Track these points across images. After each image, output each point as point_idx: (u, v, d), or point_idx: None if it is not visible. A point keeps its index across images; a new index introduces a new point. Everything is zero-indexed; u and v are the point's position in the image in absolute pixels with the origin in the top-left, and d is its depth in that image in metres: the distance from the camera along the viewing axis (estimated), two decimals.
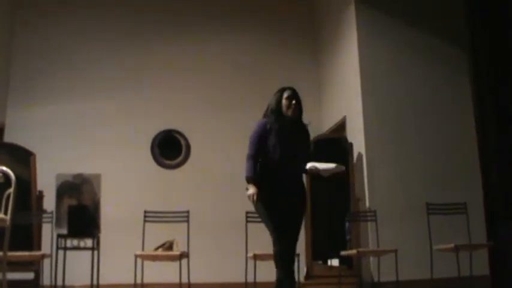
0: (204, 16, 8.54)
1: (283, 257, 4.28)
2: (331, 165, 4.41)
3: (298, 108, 4.49)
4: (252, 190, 4.33)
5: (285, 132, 4.41)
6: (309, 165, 4.36)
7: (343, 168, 4.53)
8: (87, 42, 8.24)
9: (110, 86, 8.15)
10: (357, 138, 7.01)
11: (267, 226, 4.34)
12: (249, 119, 8.10)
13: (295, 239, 4.41)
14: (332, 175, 4.44)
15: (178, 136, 8.19)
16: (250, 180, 4.38)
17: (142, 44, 8.35)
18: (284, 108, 4.46)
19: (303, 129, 4.57)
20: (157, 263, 6.24)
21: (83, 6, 8.37)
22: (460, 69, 7.07)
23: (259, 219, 6.36)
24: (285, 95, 4.49)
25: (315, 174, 4.46)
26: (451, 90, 7.06)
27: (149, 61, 8.32)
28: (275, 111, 4.48)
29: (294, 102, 4.45)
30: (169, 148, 8.13)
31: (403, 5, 7.22)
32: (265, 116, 4.56)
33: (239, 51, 8.53)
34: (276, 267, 4.32)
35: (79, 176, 6.51)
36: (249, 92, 8.26)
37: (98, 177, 6.54)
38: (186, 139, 8.19)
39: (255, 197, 4.29)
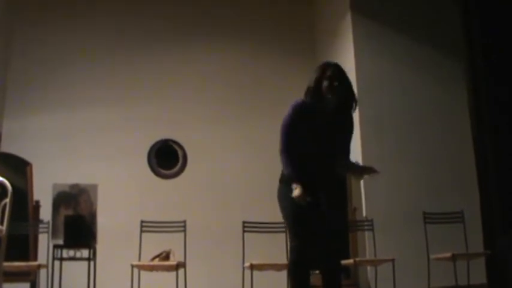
0: (202, 27, 8.54)
1: (295, 271, 3.70)
2: (359, 166, 3.74)
3: (343, 92, 3.66)
4: (298, 190, 3.48)
5: (323, 119, 3.66)
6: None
7: (376, 172, 3.68)
8: (84, 52, 8.22)
9: (107, 96, 8.14)
10: (353, 147, 7.00)
11: (288, 229, 3.76)
12: (246, 128, 8.23)
13: (333, 251, 3.74)
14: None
15: (175, 146, 8.18)
16: (293, 177, 3.56)
17: (140, 54, 8.34)
18: (324, 89, 3.64)
19: (348, 118, 3.78)
20: (154, 273, 6.21)
21: (81, 16, 8.36)
22: (457, 79, 7.08)
23: (256, 229, 6.41)
24: (328, 72, 3.66)
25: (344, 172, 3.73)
26: (448, 100, 7.08)
27: (147, 71, 8.32)
28: (313, 91, 3.67)
29: (336, 83, 3.63)
30: (166, 158, 8.11)
31: (400, 14, 7.25)
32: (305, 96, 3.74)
33: (236, 61, 8.54)
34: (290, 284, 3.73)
35: (76, 186, 6.50)
36: (246, 102, 8.29)
37: (94, 187, 6.53)
38: (183, 149, 8.18)
39: (304, 198, 3.48)
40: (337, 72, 3.68)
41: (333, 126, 3.70)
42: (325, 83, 3.64)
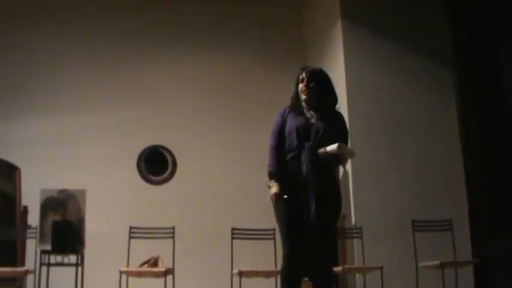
0: (191, 32, 8.54)
1: (287, 278, 3.70)
2: (334, 146, 3.64)
3: (317, 91, 3.86)
4: (274, 189, 3.70)
5: (303, 117, 3.82)
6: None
7: (353, 153, 3.84)
8: (71, 57, 8.17)
9: (96, 102, 8.11)
10: None
11: (280, 234, 3.76)
12: (236, 134, 8.21)
13: (318, 255, 3.72)
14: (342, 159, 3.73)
15: (164, 152, 8.16)
16: (272, 175, 3.76)
17: (129, 60, 8.32)
18: (301, 91, 3.89)
19: (331, 115, 3.89)
20: (142, 280, 6.18)
21: (63, 21, 8.31)
22: (446, 87, 7.12)
23: (245, 236, 6.40)
24: (302, 75, 3.91)
25: (325, 159, 3.69)
26: (437, 107, 7.10)
27: (136, 77, 8.30)
28: (293, 96, 3.96)
29: (311, 84, 3.84)
30: (155, 164, 8.09)
31: (390, 22, 7.26)
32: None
33: (226, 67, 8.53)
34: None
35: (64, 192, 6.45)
36: (236, 108, 8.29)
37: (83, 192, 6.49)
38: (172, 155, 8.16)
39: (278, 198, 3.67)
40: (311, 74, 3.91)
41: (320, 126, 3.79)
42: (300, 86, 3.90)
